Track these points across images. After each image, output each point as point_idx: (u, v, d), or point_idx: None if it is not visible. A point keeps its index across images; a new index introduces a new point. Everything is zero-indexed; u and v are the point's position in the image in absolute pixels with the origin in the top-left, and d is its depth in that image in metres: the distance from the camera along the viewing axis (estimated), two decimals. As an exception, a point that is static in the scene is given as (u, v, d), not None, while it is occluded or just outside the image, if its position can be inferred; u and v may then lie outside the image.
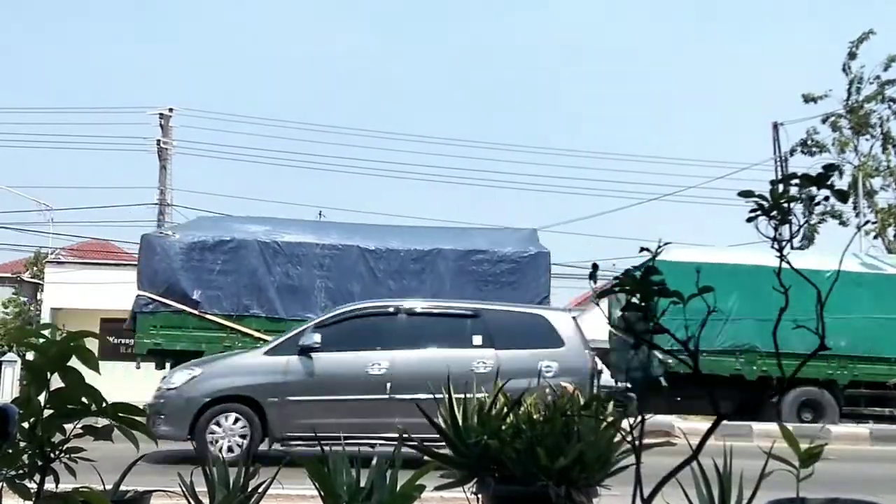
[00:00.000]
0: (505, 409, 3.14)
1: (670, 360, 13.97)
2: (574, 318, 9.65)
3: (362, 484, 2.70)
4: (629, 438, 2.50)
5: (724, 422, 2.49)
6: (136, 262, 25.36)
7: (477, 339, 9.06)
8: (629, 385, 16.17)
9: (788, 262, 2.47)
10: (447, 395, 3.34)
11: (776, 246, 2.43)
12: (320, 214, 32.07)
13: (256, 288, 14.10)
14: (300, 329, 9.37)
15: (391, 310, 9.52)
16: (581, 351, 9.21)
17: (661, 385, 14.25)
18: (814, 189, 2.43)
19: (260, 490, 2.82)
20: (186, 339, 13.80)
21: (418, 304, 9.96)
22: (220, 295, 14.04)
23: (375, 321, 9.36)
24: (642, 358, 14.77)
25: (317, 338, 8.90)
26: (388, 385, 8.74)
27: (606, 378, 17.97)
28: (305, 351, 8.91)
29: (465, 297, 14.19)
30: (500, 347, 8.94)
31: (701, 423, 13.34)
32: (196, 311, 13.84)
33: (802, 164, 23.05)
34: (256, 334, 13.92)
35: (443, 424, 3.19)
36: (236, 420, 8.69)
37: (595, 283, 2.60)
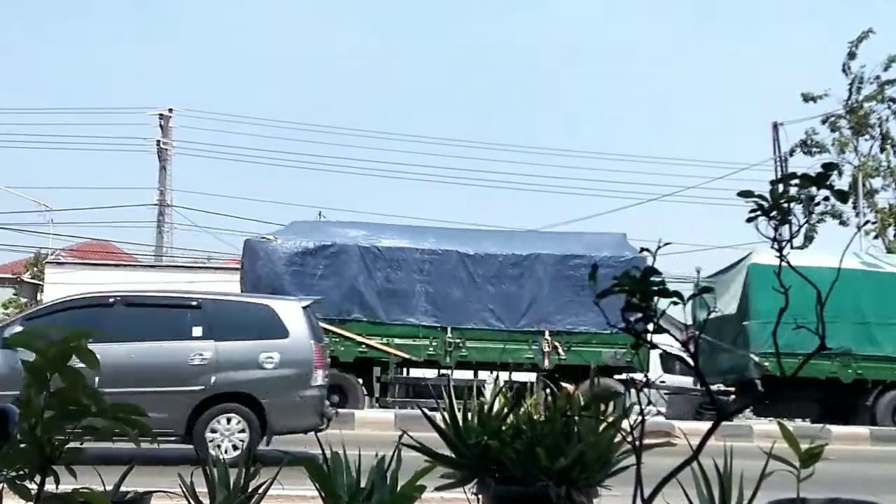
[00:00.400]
0: (505, 410, 3.14)
1: (766, 364, 14.10)
2: (306, 307, 9.26)
3: (363, 484, 2.70)
4: (629, 439, 2.50)
5: (724, 422, 2.49)
6: (135, 263, 25.38)
7: (197, 331, 8.72)
8: (725, 388, 16.24)
9: (788, 263, 2.47)
10: (447, 396, 3.35)
11: (776, 246, 2.43)
12: (320, 215, 32.10)
13: (357, 292, 14.33)
14: (8, 321, 9.17)
15: (110, 301, 9.08)
16: (307, 342, 8.83)
17: (758, 388, 14.33)
18: (813, 189, 2.42)
19: (260, 491, 2.82)
20: None
21: (137, 295, 9.67)
22: (323, 299, 14.23)
23: (90, 312, 8.85)
24: (739, 361, 14.82)
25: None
26: (97, 379, 8.44)
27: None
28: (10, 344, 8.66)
29: (564, 301, 14.38)
30: (220, 339, 8.63)
31: (701, 424, 13.35)
32: None
33: (802, 165, 23.07)
34: (359, 338, 14.11)
35: (443, 425, 3.19)
36: None
37: (595, 283, 2.60)
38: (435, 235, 15.21)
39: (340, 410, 15.94)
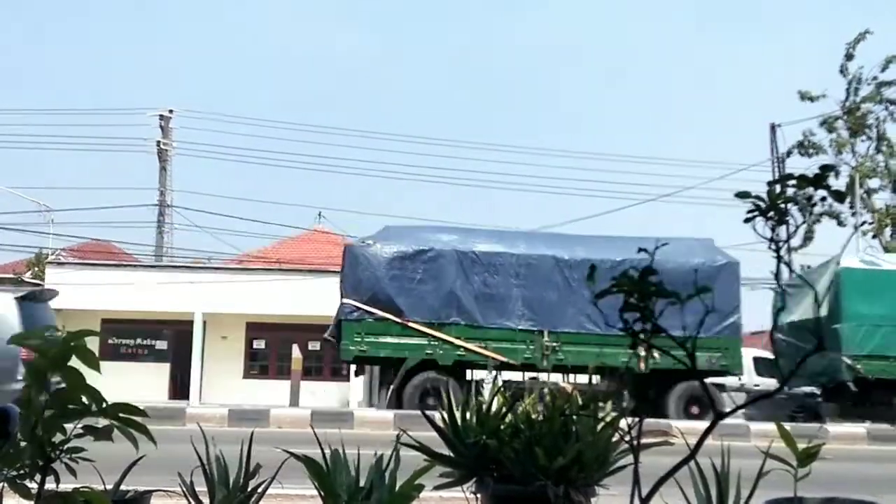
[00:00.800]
0: (503, 409, 3.15)
1: (859, 366, 14.17)
2: (21, 298, 8.91)
3: (361, 483, 2.71)
4: (627, 438, 2.51)
5: (722, 422, 2.50)
6: (136, 264, 25.40)
7: None
8: (814, 391, 16.31)
9: (787, 263, 2.49)
10: (446, 396, 3.36)
11: (773, 247, 2.44)
12: (319, 215, 32.13)
13: (455, 296, 14.51)
14: None
15: None
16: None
17: (850, 390, 14.37)
18: (811, 189, 2.43)
19: (260, 490, 2.83)
20: (390, 346, 14.23)
21: None
22: (421, 303, 14.39)
23: None
24: (830, 363, 14.91)
25: None
26: None
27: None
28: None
29: (659, 306, 14.42)
30: None
31: (699, 423, 13.36)
32: (399, 319, 14.09)
33: (800, 166, 23.08)
34: (457, 342, 14.25)
35: (442, 425, 3.19)
36: None
37: (593, 284, 2.61)
38: (524, 240, 15.37)
39: (343, 410, 16.01)
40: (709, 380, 14.37)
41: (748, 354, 16.82)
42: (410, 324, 14.08)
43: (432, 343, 14.05)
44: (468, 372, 14.75)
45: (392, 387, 14.21)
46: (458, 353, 14.38)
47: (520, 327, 14.50)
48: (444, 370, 14.14)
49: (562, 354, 14.46)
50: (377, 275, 14.34)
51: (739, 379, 16.52)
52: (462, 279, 14.45)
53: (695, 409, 14.66)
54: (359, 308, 14.16)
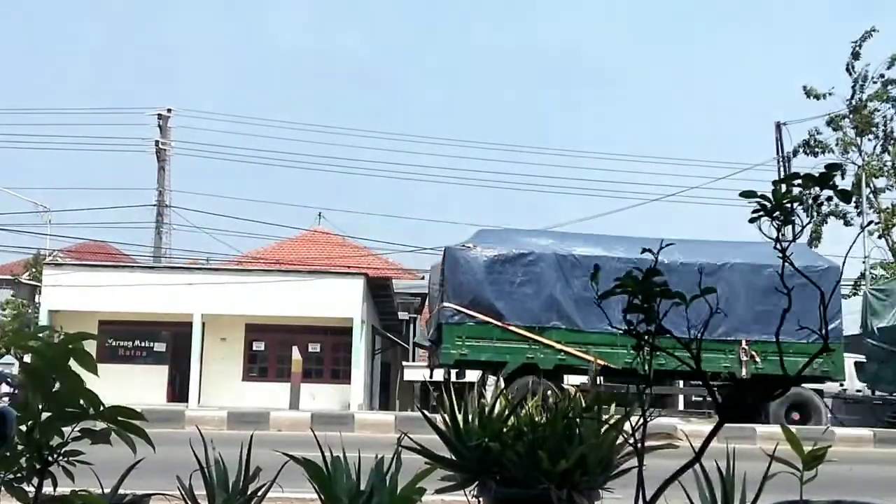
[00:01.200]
0: (506, 412, 3.12)
1: None
2: None
3: (362, 487, 2.68)
4: (631, 441, 2.48)
5: (727, 424, 2.47)
6: (134, 264, 25.33)
7: None
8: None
9: (791, 263, 2.46)
10: (447, 398, 3.32)
11: (779, 247, 2.42)
12: (319, 216, 32.11)
13: (555, 300, 14.56)
14: None
15: None
16: None
17: None
18: (817, 189, 2.41)
19: (259, 493, 2.80)
20: (491, 349, 14.25)
21: None
22: (522, 306, 14.44)
23: None
24: None
25: None
26: None
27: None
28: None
29: (758, 311, 14.58)
30: None
31: (703, 426, 13.34)
32: (500, 323, 14.10)
33: (806, 165, 23.04)
34: (558, 346, 14.28)
35: (444, 427, 3.17)
36: None
37: (597, 284, 2.59)
38: (621, 243, 15.33)
39: (343, 413, 15.97)
40: (809, 385, 14.45)
41: (849, 360, 16.81)
42: (511, 328, 14.09)
43: (533, 347, 14.08)
44: (567, 377, 14.87)
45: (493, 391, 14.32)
46: (559, 357, 14.43)
47: (620, 331, 14.47)
48: (544, 374, 14.20)
49: (662, 359, 14.40)
50: (477, 279, 14.35)
51: (841, 384, 16.55)
52: (562, 283, 14.50)
53: (796, 416, 14.67)
54: (459, 312, 14.21)
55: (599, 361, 14.30)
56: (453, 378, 14.50)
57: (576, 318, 14.40)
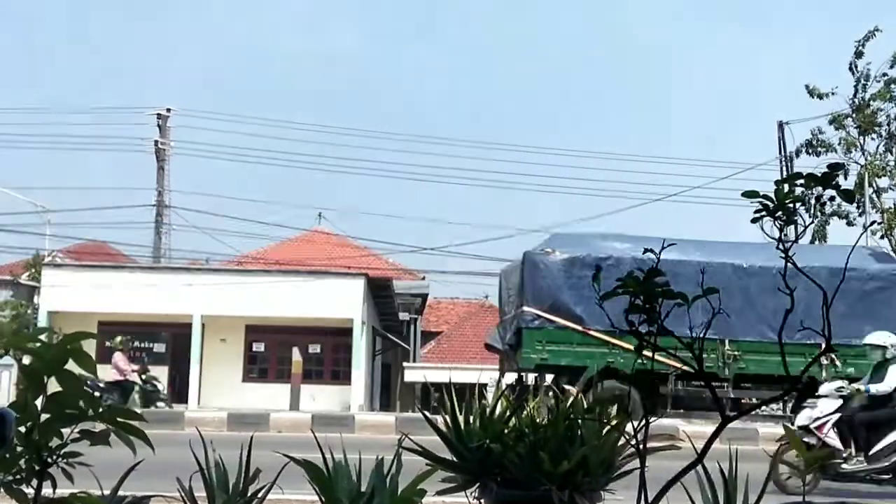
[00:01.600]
0: (507, 413, 3.11)
1: None
2: None
3: (363, 488, 2.67)
4: (633, 442, 2.47)
5: (729, 425, 2.46)
6: (133, 265, 25.30)
7: None
8: None
9: (793, 263, 2.45)
10: (449, 399, 3.31)
11: (781, 247, 2.41)
12: (319, 216, 32.11)
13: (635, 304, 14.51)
14: None
15: None
16: None
17: None
18: (819, 189, 2.40)
19: (259, 495, 2.79)
20: (571, 354, 14.31)
21: None
22: (601, 311, 14.30)
23: None
24: None
25: None
26: None
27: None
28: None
29: (838, 316, 14.48)
30: None
31: (706, 427, 13.33)
32: (580, 328, 14.14)
33: (808, 165, 22.99)
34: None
35: (445, 428, 3.16)
36: None
37: (598, 285, 2.58)
38: (696, 248, 15.27)
39: (343, 414, 15.97)
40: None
41: None
42: (591, 332, 14.08)
43: (613, 351, 14.04)
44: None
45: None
46: (640, 361, 14.42)
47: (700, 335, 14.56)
48: (625, 378, 14.35)
49: (743, 363, 14.56)
50: (557, 283, 14.34)
51: None
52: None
53: None
54: (540, 316, 14.27)
55: (680, 366, 14.39)
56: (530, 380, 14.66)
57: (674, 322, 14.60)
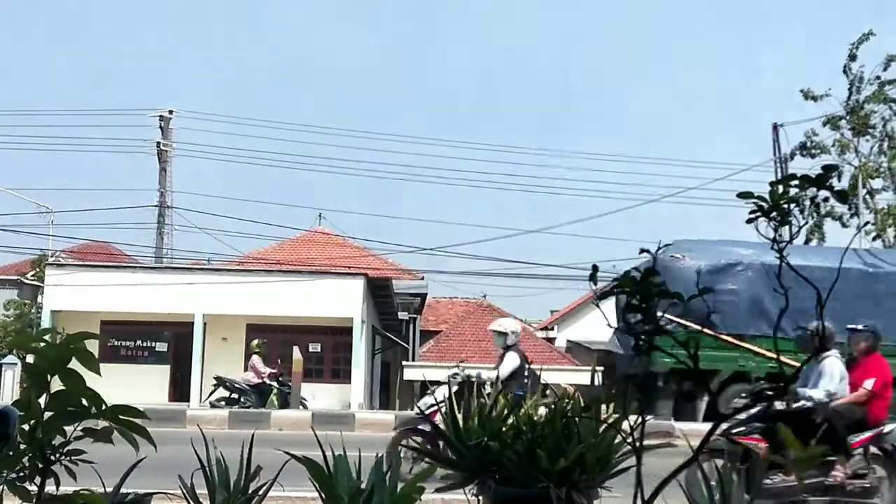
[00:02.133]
0: (505, 411, 3.13)
1: None
2: None
3: (363, 486, 2.69)
4: (630, 440, 2.49)
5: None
6: (135, 265, 25.28)
7: None
8: None
9: (788, 264, 2.47)
10: (448, 398, 3.34)
11: (776, 247, 2.43)
12: (320, 216, 32.09)
13: (764, 309, 14.74)
14: None
15: None
16: None
17: None
18: (813, 190, 2.42)
19: (261, 492, 2.82)
20: (704, 358, 14.25)
21: None
22: (732, 316, 14.73)
23: None
24: None
25: None
26: None
27: None
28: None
29: None
30: None
31: (701, 425, 13.35)
32: (712, 332, 14.24)
33: (803, 167, 23.01)
34: (768, 354, 14.56)
35: (443, 426, 3.18)
36: None
37: (595, 284, 2.60)
38: (818, 253, 15.57)
39: (344, 412, 15.98)
40: None
41: None
42: (723, 336, 14.21)
43: (744, 355, 14.25)
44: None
45: (706, 399, 14.59)
46: (770, 365, 14.58)
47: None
48: (756, 382, 14.37)
49: None
50: (688, 288, 14.47)
51: None
52: (770, 292, 14.63)
53: None
54: (673, 321, 14.44)
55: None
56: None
57: (785, 327, 14.69)
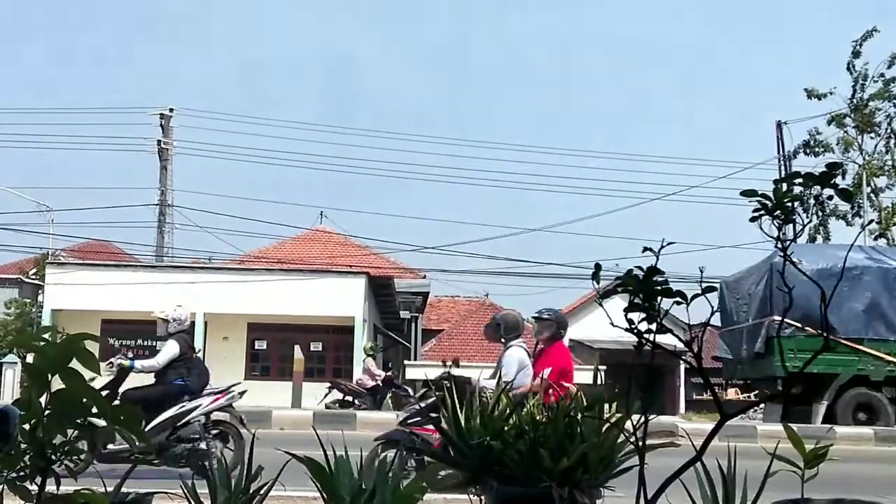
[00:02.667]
0: (508, 411, 3.12)
1: None
2: None
3: (364, 485, 2.68)
4: (632, 439, 2.48)
5: (728, 422, 2.47)
6: (136, 264, 25.27)
7: None
8: None
9: (792, 262, 2.46)
10: (450, 397, 3.33)
11: (779, 246, 2.42)
12: (321, 215, 32.09)
13: (883, 313, 15.08)
14: None
15: None
16: None
17: None
18: (817, 188, 2.41)
19: (262, 491, 2.81)
20: (822, 362, 14.41)
21: None
22: (849, 319, 14.88)
23: None
24: None
25: None
26: None
27: None
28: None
29: None
30: None
31: (705, 424, 13.33)
32: (830, 336, 14.29)
33: (806, 164, 23.02)
34: (888, 358, 14.69)
35: (446, 426, 3.17)
36: None
37: (598, 283, 2.59)
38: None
39: (343, 412, 15.99)
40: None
41: None
42: (841, 340, 14.31)
43: (863, 359, 14.47)
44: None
45: (825, 402, 14.78)
46: (889, 368, 14.79)
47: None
48: (875, 385, 14.62)
49: None
50: (806, 293, 14.63)
51: None
52: (887, 296, 15.01)
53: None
54: (791, 325, 14.48)
55: None
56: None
57: None
